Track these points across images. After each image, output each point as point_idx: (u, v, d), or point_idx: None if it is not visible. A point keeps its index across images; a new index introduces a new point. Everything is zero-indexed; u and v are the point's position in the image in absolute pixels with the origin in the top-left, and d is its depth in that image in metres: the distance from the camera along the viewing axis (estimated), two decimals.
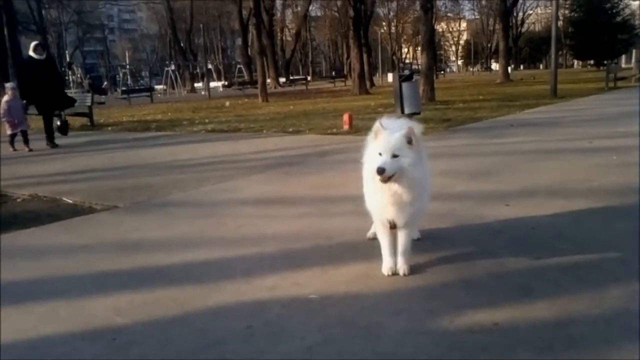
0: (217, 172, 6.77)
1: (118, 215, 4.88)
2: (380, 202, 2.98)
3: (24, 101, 10.93)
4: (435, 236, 3.73)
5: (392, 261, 3.11)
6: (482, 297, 2.74)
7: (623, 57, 57.82)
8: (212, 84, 50.63)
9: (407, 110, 8.92)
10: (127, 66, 66.51)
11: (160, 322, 2.63)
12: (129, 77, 62.30)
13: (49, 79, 10.88)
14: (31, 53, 10.92)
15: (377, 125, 2.87)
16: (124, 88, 46.05)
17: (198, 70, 60.69)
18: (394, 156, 2.77)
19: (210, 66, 71.29)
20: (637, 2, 58.38)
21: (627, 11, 53.17)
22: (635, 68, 29.28)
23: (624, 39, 50.25)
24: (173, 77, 47.21)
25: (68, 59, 64.07)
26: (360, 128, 10.76)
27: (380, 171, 2.74)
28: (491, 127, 10.12)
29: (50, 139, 10.95)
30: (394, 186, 2.85)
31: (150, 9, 74.03)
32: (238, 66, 60.70)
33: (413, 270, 3.09)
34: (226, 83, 55.50)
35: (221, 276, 3.19)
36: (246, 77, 49.89)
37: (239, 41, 64.91)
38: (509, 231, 3.75)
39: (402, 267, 3.09)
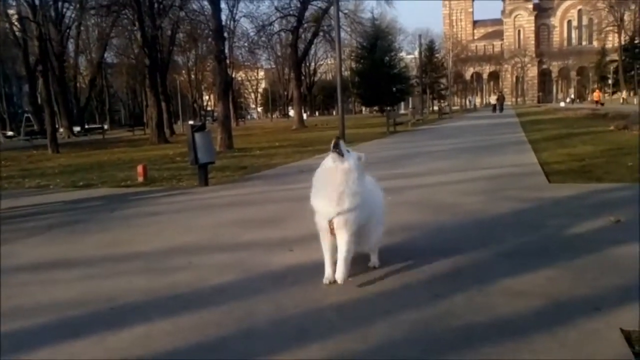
0: None
1: None
2: (323, 198, 3.56)
3: None
4: (220, 290, 3.77)
5: (331, 271, 3.66)
6: (261, 346, 2.84)
7: (402, 104, 64.80)
8: None
9: (201, 160, 8.96)
10: None
11: None
12: None
13: None
14: None
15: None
16: None
17: None
18: (347, 151, 3.52)
19: None
20: (410, 57, 65.97)
21: (402, 64, 59.96)
22: (410, 114, 32.91)
23: (401, 88, 56.44)
24: None
25: None
26: (156, 179, 10.58)
27: (337, 141, 3.49)
28: (284, 174, 10.57)
29: None
30: (333, 178, 3.48)
31: None
32: (25, 115, 56.08)
33: (193, 328, 3.11)
34: (11, 133, 50.94)
35: None
36: (36, 127, 46.30)
37: (27, 87, 60.03)
38: (291, 276, 3.94)
39: (339, 275, 3.50)
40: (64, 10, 44.42)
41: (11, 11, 43.82)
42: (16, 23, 42.66)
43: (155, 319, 3.23)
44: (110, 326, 3.17)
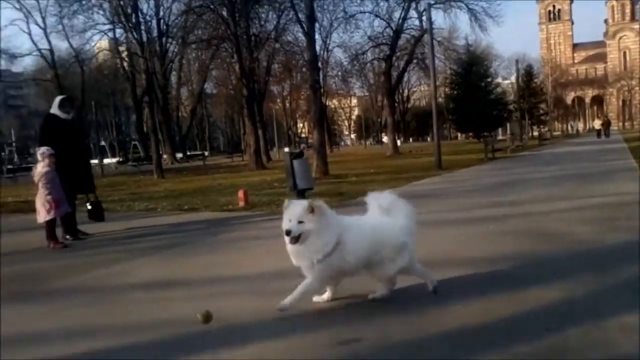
0: (109, 255, 6.56)
1: None
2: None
3: None
4: (322, 313, 3.80)
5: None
6: None
7: (500, 129, 63.06)
8: (106, 161, 49.28)
9: (300, 186, 9.15)
10: (13, 143, 63.55)
11: None
12: (15, 154, 59.49)
13: (77, 148, 8.14)
14: (55, 110, 7.98)
15: (286, 202, 3.71)
16: (9, 166, 43.75)
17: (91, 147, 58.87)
18: (300, 222, 3.50)
19: (103, 143, 69.42)
20: (506, 82, 64.33)
21: (499, 89, 58.55)
22: (509, 140, 31.96)
23: (498, 114, 54.93)
24: None
25: None
26: (256, 204, 10.85)
27: (287, 233, 3.53)
28: None
29: (72, 230, 8.03)
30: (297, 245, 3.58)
31: (39, 84, 71.44)
32: (133, 142, 59.61)
33: (303, 348, 3.16)
34: (121, 159, 54.18)
35: None
36: (142, 154, 49.15)
37: (134, 117, 64.09)
38: (395, 300, 3.91)
39: (286, 300, 3.62)
40: (168, 45, 47.08)
41: (121, 48, 47.28)
42: (126, 58, 45.86)
43: (271, 339, 3.34)
44: (223, 345, 3.29)
